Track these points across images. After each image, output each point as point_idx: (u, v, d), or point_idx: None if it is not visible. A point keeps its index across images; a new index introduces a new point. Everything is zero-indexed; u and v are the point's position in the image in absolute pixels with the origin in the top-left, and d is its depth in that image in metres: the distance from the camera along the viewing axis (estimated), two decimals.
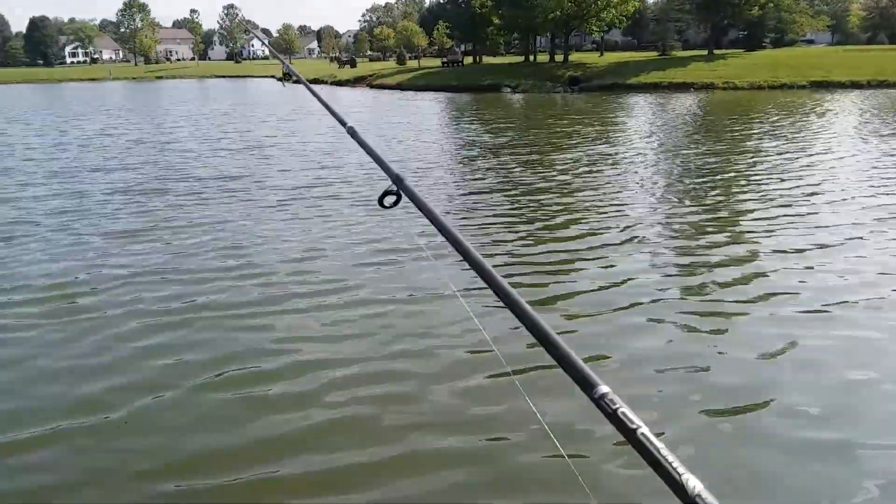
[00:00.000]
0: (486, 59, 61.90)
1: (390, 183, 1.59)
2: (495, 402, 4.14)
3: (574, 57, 54.44)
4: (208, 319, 5.71)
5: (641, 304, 5.89)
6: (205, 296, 6.26)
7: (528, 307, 1.05)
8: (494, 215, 9.44)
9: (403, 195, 1.58)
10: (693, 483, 0.75)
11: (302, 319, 5.68)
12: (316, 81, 62.19)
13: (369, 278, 6.60)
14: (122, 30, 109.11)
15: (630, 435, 0.82)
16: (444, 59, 61.35)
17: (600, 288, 6.32)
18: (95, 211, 10.04)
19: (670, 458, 0.77)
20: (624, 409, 0.84)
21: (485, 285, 1.14)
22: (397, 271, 6.79)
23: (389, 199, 1.59)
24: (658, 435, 0.82)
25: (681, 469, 0.76)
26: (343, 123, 2.12)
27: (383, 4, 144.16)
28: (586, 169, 12.97)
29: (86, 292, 6.38)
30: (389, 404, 4.21)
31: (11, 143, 19.17)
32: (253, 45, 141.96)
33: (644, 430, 0.81)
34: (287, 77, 69.15)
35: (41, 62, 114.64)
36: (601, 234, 8.22)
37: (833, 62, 41.29)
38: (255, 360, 4.93)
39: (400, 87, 49.10)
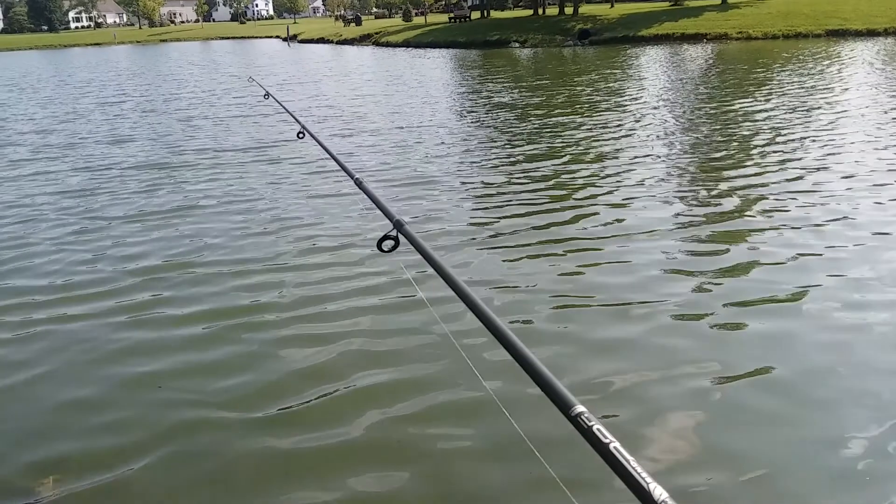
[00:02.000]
0: (494, 14, 60.70)
1: (391, 227, 1.67)
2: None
3: (584, 9, 53.18)
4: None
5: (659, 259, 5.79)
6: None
7: (518, 342, 1.13)
8: (504, 172, 9.33)
9: (403, 238, 1.65)
10: (659, 492, 0.83)
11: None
12: (321, 41, 61.48)
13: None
14: None
15: (604, 450, 0.91)
16: (452, 15, 60.18)
17: (613, 236, 6.31)
18: (119, 189, 9.98)
19: (639, 469, 0.86)
20: (599, 426, 0.94)
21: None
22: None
23: (388, 244, 1.64)
24: None
25: (648, 479, 0.85)
26: (351, 176, 2.32)
27: None
28: (593, 126, 12.75)
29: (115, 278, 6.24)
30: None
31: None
32: (257, 6, 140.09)
33: (616, 444, 0.90)
34: (292, 38, 68.53)
35: (45, 28, 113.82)
36: (612, 188, 8.10)
37: (850, 10, 40.12)
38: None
39: (407, 44, 48.39)
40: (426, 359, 4.05)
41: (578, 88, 18.49)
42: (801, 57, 24.39)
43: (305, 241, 6.43)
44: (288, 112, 4.25)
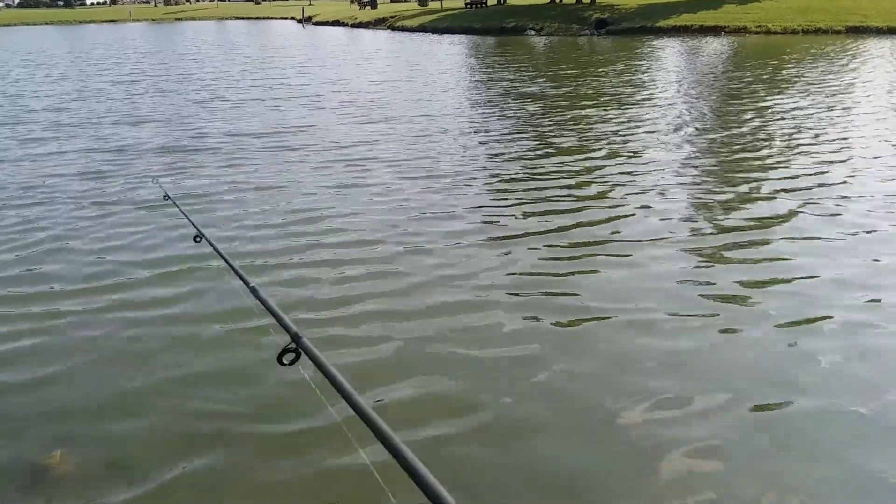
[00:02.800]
0: (511, 0, 60.20)
1: (289, 340, 1.61)
2: None
3: None
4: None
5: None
6: None
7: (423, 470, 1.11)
8: (516, 161, 9.28)
9: (304, 354, 1.58)
10: None
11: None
12: (336, 24, 61.26)
13: None
14: None
15: None
16: (468, 0, 59.77)
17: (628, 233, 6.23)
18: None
19: None
20: None
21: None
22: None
23: (289, 357, 1.58)
24: None
25: None
26: (247, 283, 2.18)
27: None
28: (612, 120, 12.64)
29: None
30: None
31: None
32: None
33: None
34: (307, 20, 68.21)
35: (61, 4, 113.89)
36: (624, 183, 8.04)
37: (870, 6, 39.49)
38: None
39: (423, 29, 48.08)
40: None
41: (596, 80, 18.29)
42: (823, 53, 24.06)
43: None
44: (184, 215, 3.72)
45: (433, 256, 5.72)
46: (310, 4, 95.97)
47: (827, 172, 8.17)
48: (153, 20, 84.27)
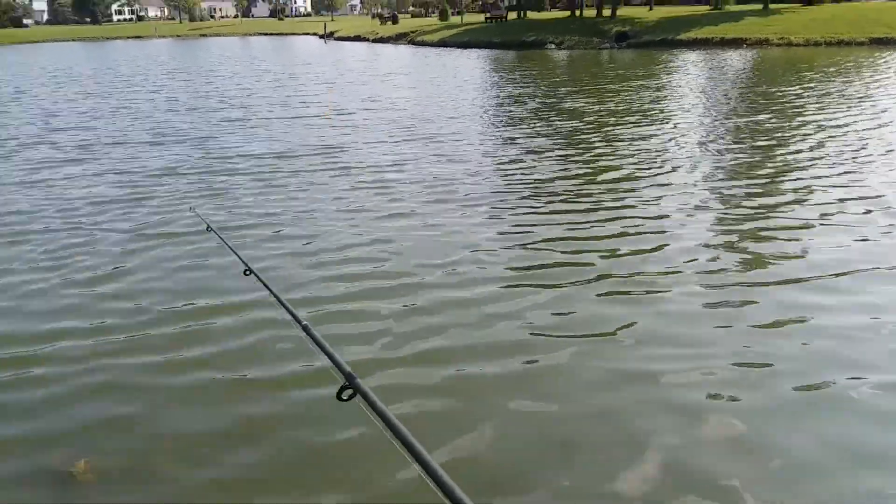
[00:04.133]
0: (531, 14, 60.36)
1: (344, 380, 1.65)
2: None
3: (622, 12, 52.64)
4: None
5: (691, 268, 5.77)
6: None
7: None
8: (531, 170, 9.36)
9: (359, 393, 1.61)
10: None
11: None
12: (358, 39, 61.87)
13: None
14: None
15: None
16: (488, 15, 60.00)
17: (653, 249, 6.27)
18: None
19: None
20: None
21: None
22: None
23: (347, 393, 1.62)
24: None
25: None
26: (298, 321, 2.14)
27: None
28: (623, 125, 12.68)
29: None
30: None
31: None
32: (296, 2, 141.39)
33: None
34: (329, 35, 68.84)
35: (88, 20, 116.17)
36: (642, 189, 8.08)
37: (895, 18, 39.19)
38: None
39: (444, 43, 48.43)
40: None
41: (624, 95, 18.27)
42: (848, 66, 23.89)
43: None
44: (231, 249, 3.56)
45: (477, 295, 5.45)
46: (331, 20, 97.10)
47: (877, 196, 8.18)
48: (178, 36, 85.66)
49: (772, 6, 47.73)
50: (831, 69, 22.58)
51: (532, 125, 13.64)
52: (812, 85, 18.45)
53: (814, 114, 13.70)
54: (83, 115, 16.70)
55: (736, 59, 28.80)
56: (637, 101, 16.76)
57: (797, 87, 18.18)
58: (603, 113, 14.93)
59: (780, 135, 11.70)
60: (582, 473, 3.39)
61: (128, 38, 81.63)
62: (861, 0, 59.05)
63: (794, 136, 11.58)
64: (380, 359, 4.51)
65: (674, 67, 26.17)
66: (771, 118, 13.40)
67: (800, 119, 13.14)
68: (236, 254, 3.41)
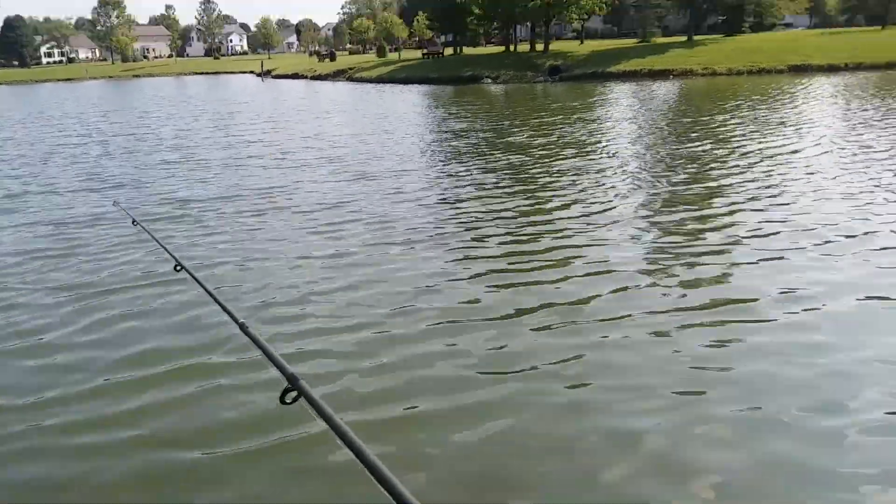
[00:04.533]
0: (467, 50, 61.66)
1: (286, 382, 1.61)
2: None
3: (554, 46, 54.28)
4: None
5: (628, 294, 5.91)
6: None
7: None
8: (474, 205, 9.44)
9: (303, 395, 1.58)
10: None
11: None
12: (296, 76, 61.82)
13: None
14: (99, 28, 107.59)
15: None
16: (425, 51, 61.03)
17: (586, 274, 6.46)
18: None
19: None
20: None
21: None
22: None
23: (291, 395, 1.58)
24: None
25: None
26: (235, 320, 2.10)
27: None
28: (562, 158, 12.98)
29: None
30: None
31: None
32: (231, 42, 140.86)
33: None
34: (266, 73, 68.42)
35: (16, 63, 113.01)
36: (582, 219, 8.27)
37: (811, 46, 41.51)
38: None
39: (382, 79, 48.89)
40: None
41: (558, 126, 18.80)
42: (767, 92, 25.11)
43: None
44: (161, 245, 3.55)
45: (422, 331, 5.47)
46: (268, 58, 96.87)
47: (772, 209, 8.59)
48: (110, 77, 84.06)
49: (695, 38, 50.01)
50: (755, 96, 23.68)
51: (474, 160, 13.81)
52: (738, 112, 19.32)
53: (742, 139, 14.37)
54: (10, 163, 16.08)
55: (664, 90, 29.96)
56: (576, 133, 17.20)
57: (725, 114, 19.00)
58: (544, 146, 15.22)
59: (710, 161, 12.20)
60: None
61: (58, 80, 79.68)
62: (778, 30, 62.48)
63: (724, 161, 12.08)
64: (322, 396, 4.42)
65: (607, 99, 27.03)
66: (701, 145, 13.95)
67: (728, 145, 13.74)
68: (168, 251, 3.32)
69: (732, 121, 17.53)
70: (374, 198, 10.53)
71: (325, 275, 6.92)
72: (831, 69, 35.49)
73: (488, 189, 10.87)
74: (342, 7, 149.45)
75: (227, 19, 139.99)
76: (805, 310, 5.51)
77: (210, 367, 4.98)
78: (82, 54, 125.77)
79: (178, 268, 2.95)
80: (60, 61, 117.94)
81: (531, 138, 16.59)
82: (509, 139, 16.61)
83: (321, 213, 9.68)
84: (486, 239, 8.06)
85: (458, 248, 7.76)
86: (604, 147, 14.63)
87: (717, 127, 16.53)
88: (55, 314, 6.17)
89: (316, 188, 11.53)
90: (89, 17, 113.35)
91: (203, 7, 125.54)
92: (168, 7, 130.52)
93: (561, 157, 13.63)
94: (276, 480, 3.62)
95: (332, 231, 8.66)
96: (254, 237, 8.54)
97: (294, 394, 1.57)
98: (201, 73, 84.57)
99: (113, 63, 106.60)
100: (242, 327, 2.01)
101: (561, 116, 21.03)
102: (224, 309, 2.26)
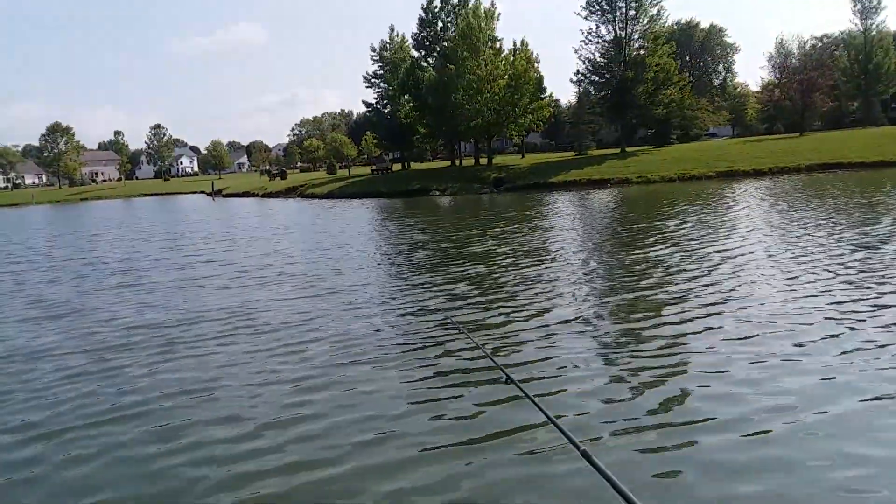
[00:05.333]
0: (415, 165, 64.04)
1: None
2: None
3: (497, 160, 57.00)
4: None
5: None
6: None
7: None
8: (439, 324, 9.49)
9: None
10: None
11: None
12: (247, 195, 62.46)
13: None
14: (46, 154, 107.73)
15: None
16: (374, 167, 63.11)
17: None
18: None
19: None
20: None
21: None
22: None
23: None
24: None
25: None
26: (577, 447, 2.11)
27: (311, 119, 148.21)
28: (511, 263, 13.44)
29: None
30: None
31: None
32: (182, 163, 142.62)
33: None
34: (217, 192, 68.88)
35: None
36: (532, 319, 8.61)
37: (736, 153, 44.57)
38: None
39: (331, 195, 49.97)
40: None
41: (503, 235, 19.43)
42: (699, 196, 26.69)
43: None
44: (491, 357, 4.17)
45: (392, 460, 5.28)
46: (219, 178, 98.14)
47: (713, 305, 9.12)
48: (57, 202, 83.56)
49: (628, 149, 53.15)
50: (697, 201, 25.11)
51: (431, 272, 13.61)
52: (687, 215, 20.40)
53: (695, 242, 14.91)
54: None
55: (604, 198, 31.48)
56: (533, 241, 17.39)
57: (675, 218, 20.03)
58: (507, 254, 15.39)
59: (673, 265, 12.45)
60: None
61: (2, 206, 78.77)
62: (704, 140, 66.77)
63: (686, 266, 12.25)
64: None
65: (553, 209, 28.02)
66: (659, 249, 14.31)
67: (686, 248, 14.21)
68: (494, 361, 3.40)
69: (674, 224, 18.54)
70: (338, 314, 10.20)
71: (287, 400, 6.61)
72: (757, 174, 38.03)
73: (447, 301, 10.69)
74: (292, 129, 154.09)
75: (178, 142, 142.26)
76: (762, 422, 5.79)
77: None
78: (28, 180, 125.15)
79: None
80: (6, 187, 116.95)
81: (491, 248, 16.66)
82: (467, 250, 16.51)
83: (284, 331, 9.29)
84: (439, 355, 7.79)
85: (421, 365, 7.49)
86: (559, 255, 14.73)
87: (672, 231, 17.17)
88: None
89: (276, 306, 11.07)
90: (37, 143, 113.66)
91: (153, 132, 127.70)
92: (117, 133, 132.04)
93: (524, 265, 13.62)
94: None
95: (295, 353, 8.25)
96: (208, 365, 7.99)
97: None
98: (151, 195, 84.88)
99: (60, 187, 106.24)
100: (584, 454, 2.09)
101: (517, 225, 21.68)
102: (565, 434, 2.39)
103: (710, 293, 9.92)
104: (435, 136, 59.90)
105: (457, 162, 59.15)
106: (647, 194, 31.50)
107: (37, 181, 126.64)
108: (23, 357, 8.97)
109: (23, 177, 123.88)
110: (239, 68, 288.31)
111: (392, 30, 61.98)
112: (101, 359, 8.61)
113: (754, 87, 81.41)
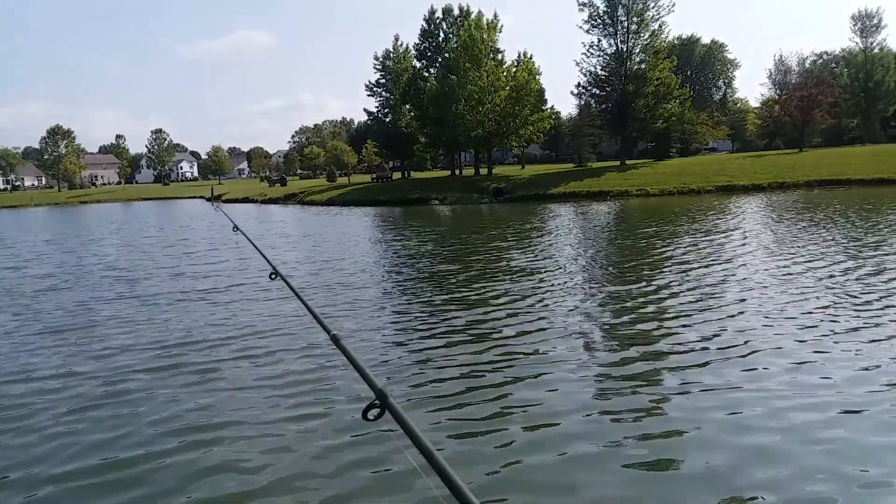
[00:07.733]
0: (414, 174, 64.14)
1: (374, 397, 1.59)
2: None
3: (497, 170, 57.15)
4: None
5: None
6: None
7: None
8: (425, 316, 9.73)
9: (388, 411, 1.57)
10: None
11: None
12: (247, 201, 62.35)
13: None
14: (46, 157, 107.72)
15: None
16: (374, 175, 63.26)
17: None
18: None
19: None
20: None
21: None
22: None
23: (374, 412, 1.57)
24: None
25: None
26: (328, 331, 2.10)
27: (312, 126, 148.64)
28: (509, 276, 13.51)
29: None
30: None
31: None
32: (182, 168, 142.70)
33: None
34: (216, 198, 68.92)
35: None
36: (528, 331, 8.64)
37: (735, 168, 44.71)
38: None
39: (331, 202, 50.02)
40: None
41: (512, 249, 19.45)
42: (698, 211, 26.77)
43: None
44: (261, 253, 4.30)
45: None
46: (219, 183, 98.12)
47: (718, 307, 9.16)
48: (56, 204, 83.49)
49: (628, 162, 53.30)
50: (700, 213, 25.22)
51: (432, 285, 13.34)
52: (678, 229, 20.53)
53: (698, 258, 15.08)
54: None
55: (605, 210, 31.54)
56: (532, 254, 17.20)
57: (686, 234, 20.09)
58: (503, 267, 15.37)
59: (664, 278, 12.71)
60: None
61: (2, 208, 78.73)
62: (703, 154, 66.98)
63: (710, 283, 12.14)
64: None
65: (554, 220, 28.00)
66: (654, 260, 14.57)
67: (670, 267, 14.40)
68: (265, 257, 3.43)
69: (678, 238, 18.66)
70: (348, 330, 9.64)
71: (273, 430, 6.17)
72: (756, 189, 38.14)
73: (441, 319, 10.51)
74: (292, 136, 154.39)
75: (178, 147, 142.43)
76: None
77: None
78: (28, 182, 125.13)
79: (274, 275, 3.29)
80: (5, 189, 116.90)
81: (489, 262, 16.67)
82: (468, 260, 16.45)
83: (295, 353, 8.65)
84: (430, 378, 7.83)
85: (412, 384, 7.33)
86: (561, 266, 14.70)
87: (669, 243, 17.33)
88: None
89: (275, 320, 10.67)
90: (37, 146, 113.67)
91: (154, 136, 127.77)
92: (118, 136, 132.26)
93: (539, 276, 13.45)
94: None
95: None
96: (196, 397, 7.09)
97: (377, 410, 1.57)
98: (151, 199, 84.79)
99: (59, 190, 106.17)
100: (334, 339, 2.01)
101: (520, 236, 21.60)
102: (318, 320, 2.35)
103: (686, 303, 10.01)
104: (435, 145, 60.05)
105: (457, 171, 59.30)
106: (646, 207, 31.60)
107: (36, 183, 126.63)
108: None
109: (22, 179, 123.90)
110: (244, 73, 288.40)
111: (396, 39, 62.33)
112: (93, 385, 8.57)
113: (754, 102, 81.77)
